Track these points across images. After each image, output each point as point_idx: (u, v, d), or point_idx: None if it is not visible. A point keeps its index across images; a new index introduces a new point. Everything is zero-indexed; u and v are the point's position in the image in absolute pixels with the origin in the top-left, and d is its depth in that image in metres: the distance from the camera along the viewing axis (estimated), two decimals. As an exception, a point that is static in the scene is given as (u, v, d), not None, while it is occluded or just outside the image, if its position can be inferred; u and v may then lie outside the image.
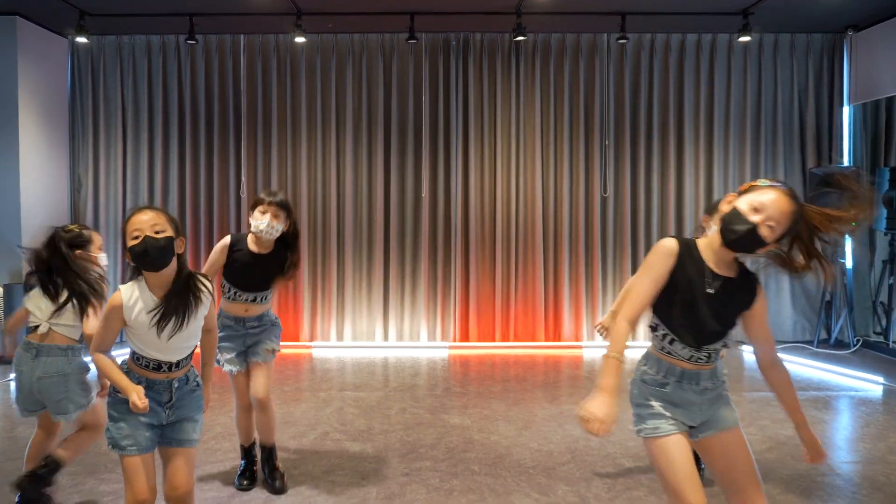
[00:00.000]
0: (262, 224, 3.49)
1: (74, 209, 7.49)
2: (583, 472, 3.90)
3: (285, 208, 3.57)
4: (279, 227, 3.54)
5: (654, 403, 2.27)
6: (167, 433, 2.56)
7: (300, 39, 6.83)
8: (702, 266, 2.24)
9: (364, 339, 7.53)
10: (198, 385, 2.67)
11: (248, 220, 3.58)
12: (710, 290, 2.23)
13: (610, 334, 2.14)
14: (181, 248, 2.53)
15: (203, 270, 3.38)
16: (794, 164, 7.61)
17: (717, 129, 7.54)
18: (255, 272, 3.59)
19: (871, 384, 5.90)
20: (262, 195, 3.58)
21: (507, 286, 7.48)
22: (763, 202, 2.13)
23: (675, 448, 2.20)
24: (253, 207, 3.57)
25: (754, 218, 2.12)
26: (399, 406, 5.23)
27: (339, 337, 7.56)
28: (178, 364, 2.55)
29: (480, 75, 7.49)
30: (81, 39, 6.70)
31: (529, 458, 4.12)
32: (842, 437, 4.63)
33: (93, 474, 3.88)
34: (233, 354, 3.60)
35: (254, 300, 3.62)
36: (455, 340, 7.51)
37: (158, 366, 2.50)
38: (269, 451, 3.70)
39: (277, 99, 7.48)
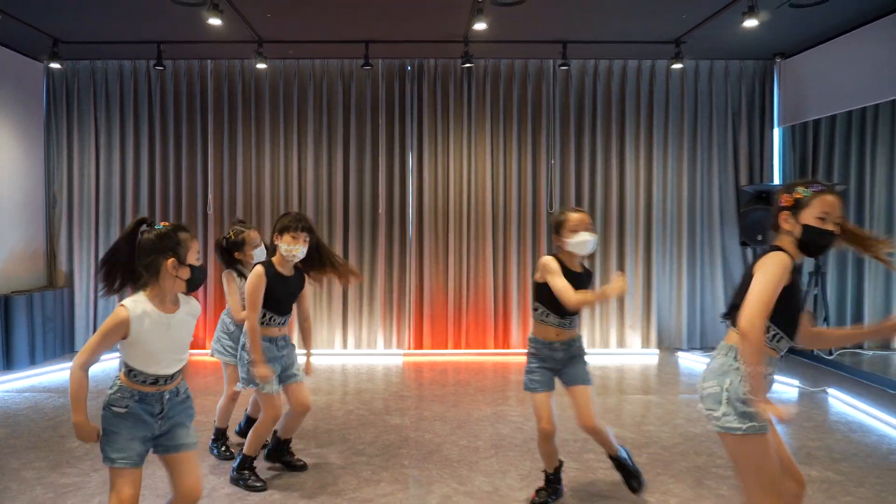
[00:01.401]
0: (300, 252, 3.77)
1: (49, 224, 7.82)
2: (501, 465, 4.30)
3: (311, 231, 3.85)
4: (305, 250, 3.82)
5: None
6: (162, 442, 2.67)
7: (261, 66, 7.22)
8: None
9: (324, 347, 7.89)
10: (187, 396, 2.77)
11: (276, 244, 3.80)
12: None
13: (751, 347, 2.36)
14: None
15: (248, 304, 3.79)
16: (728, 182, 8.07)
17: (656, 150, 7.99)
18: (288, 295, 3.90)
19: (788, 387, 6.34)
20: (288, 221, 3.76)
21: (459, 297, 7.88)
22: (826, 210, 2.48)
23: (770, 442, 2.49)
24: (281, 233, 3.77)
25: (829, 227, 2.49)
26: (346, 409, 5.61)
27: (301, 345, 7.89)
28: (172, 377, 2.67)
29: (434, 98, 7.91)
30: (55, 65, 7.05)
31: (456, 454, 4.50)
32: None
33: (55, 469, 4.22)
34: (273, 376, 3.86)
35: (284, 323, 3.95)
36: (410, 348, 7.90)
37: (155, 380, 2.62)
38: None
39: (242, 120, 7.86)
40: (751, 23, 5.67)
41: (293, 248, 3.75)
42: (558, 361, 3.61)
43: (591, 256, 7.84)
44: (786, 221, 2.54)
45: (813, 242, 2.51)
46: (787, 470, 2.58)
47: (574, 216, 3.53)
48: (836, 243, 2.57)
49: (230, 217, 7.79)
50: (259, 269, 3.79)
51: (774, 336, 2.53)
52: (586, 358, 3.72)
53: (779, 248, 2.52)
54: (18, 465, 4.27)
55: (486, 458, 4.42)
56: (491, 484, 3.99)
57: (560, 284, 3.35)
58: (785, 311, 2.48)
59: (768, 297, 2.38)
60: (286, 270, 3.87)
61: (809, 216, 2.49)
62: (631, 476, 3.63)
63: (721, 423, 2.47)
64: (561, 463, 3.76)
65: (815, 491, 3.89)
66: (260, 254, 4.32)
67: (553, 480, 3.73)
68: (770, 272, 2.43)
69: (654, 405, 5.77)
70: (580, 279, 3.55)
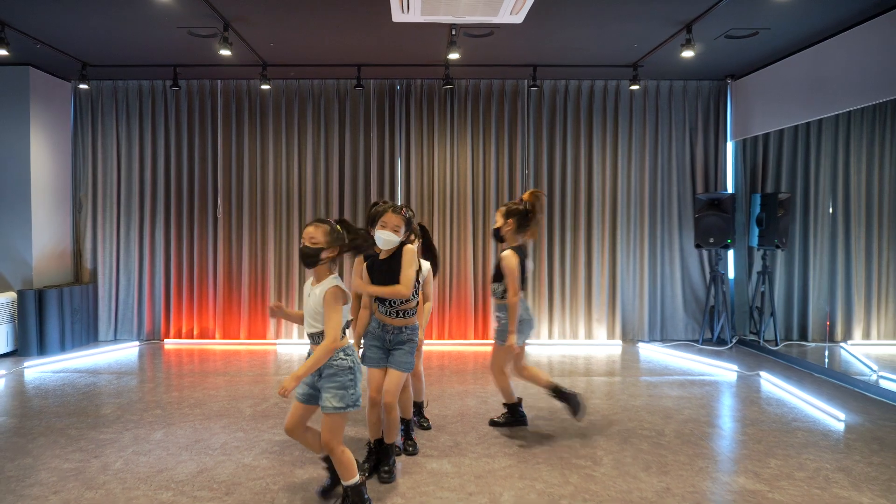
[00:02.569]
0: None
1: (76, 226, 8.69)
2: (464, 428, 5.14)
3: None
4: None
5: None
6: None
7: (266, 87, 8.08)
8: None
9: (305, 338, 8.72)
10: (330, 368, 3.46)
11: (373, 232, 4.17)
12: None
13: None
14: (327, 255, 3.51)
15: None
16: (686, 190, 8.91)
17: (620, 160, 8.83)
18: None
19: (729, 372, 7.17)
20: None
21: (443, 290, 8.73)
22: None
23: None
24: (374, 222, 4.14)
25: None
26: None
27: (301, 335, 8.76)
28: (311, 338, 3.55)
29: (420, 115, 8.76)
30: (83, 86, 7.92)
31: (433, 422, 5.35)
32: (681, 406, 5.86)
33: (94, 428, 5.08)
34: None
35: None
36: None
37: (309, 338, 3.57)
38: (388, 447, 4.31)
39: (248, 133, 8.72)
40: (688, 53, 6.50)
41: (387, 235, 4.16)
42: (387, 342, 4.22)
43: (562, 255, 8.73)
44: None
45: None
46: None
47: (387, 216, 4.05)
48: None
49: (237, 218, 8.66)
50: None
51: None
52: (407, 348, 4.22)
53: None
54: (63, 426, 5.13)
55: (453, 423, 5.26)
56: (453, 440, 4.83)
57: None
58: None
59: None
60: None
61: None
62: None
63: None
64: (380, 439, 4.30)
65: (724, 447, 4.73)
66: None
67: (376, 451, 4.27)
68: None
69: (605, 384, 6.60)
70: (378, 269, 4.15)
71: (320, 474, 4.17)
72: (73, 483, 4.05)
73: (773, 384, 6.61)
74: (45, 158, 8.13)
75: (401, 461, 4.46)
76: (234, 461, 4.42)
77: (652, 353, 8.22)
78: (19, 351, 7.68)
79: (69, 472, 4.24)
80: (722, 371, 7.21)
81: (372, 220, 4.13)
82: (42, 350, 7.67)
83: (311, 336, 3.54)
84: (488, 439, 4.87)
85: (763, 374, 6.95)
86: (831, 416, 5.47)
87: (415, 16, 5.75)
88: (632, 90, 8.65)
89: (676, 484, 4.05)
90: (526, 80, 8.70)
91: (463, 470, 4.30)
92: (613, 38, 7.01)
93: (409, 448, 4.62)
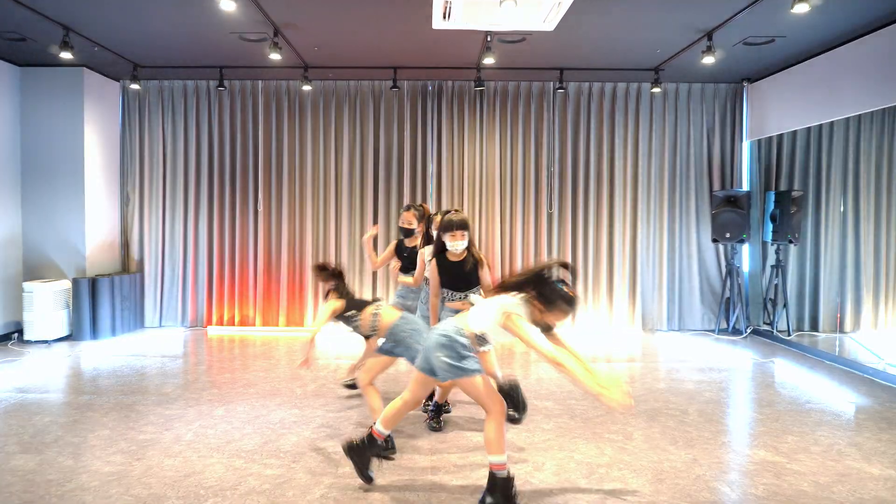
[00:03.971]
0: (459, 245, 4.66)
1: (123, 219, 9.07)
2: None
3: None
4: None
5: None
6: None
7: (307, 88, 8.43)
8: None
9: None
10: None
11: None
12: None
13: None
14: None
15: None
16: (703, 188, 9.20)
17: (641, 160, 9.13)
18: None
19: (745, 359, 7.48)
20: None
21: (471, 284, 9.04)
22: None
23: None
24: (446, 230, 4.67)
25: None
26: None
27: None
28: None
29: (451, 115, 9.10)
30: (135, 86, 8.30)
31: (461, 409, 5.69)
32: (703, 389, 6.18)
33: (160, 405, 5.46)
34: None
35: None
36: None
37: None
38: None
39: (288, 132, 9.08)
40: (708, 60, 6.80)
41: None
42: None
43: (585, 247, 9.05)
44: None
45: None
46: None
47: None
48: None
49: (277, 212, 9.03)
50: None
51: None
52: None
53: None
54: (131, 402, 5.50)
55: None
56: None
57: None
58: None
59: None
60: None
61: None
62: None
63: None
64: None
65: (735, 421, 5.06)
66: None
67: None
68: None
69: (630, 369, 6.92)
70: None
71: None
72: (151, 451, 4.41)
73: (787, 370, 6.91)
74: (96, 155, 8.51)
75: (449, 431, 4.80)
76: (296, 433, 4.78)
77: (670, 341, 8.52)
78: (73, 335, 8.07)
79: (146, 442, 4.60)
80: (738, 358, 7.51)
81: (446, 227, 4.61)
82: (95, 334, 8.07)
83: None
84: (526, 416, 5.21)
85: (777, 360, 7.26)
86: (842, 399, 5.79)
87: (455, 23, 6.07)
88: (653, 93, 8.94)
89: (702, 456, 4.38)
90: (552, 83, 9.01)
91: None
92: (637, 44, 7.31)
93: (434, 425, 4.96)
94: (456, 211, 4.71)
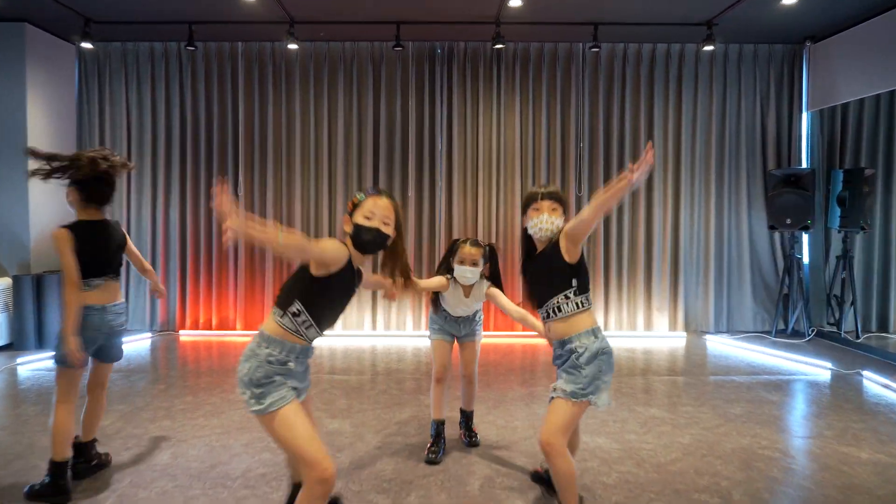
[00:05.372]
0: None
1: (82, 205, 7.58)
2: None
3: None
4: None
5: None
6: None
7: (293, 46, 6.92)
8: None
9: (353, 329, 7.63)
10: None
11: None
12: None
13: None
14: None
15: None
16: (756, 166, 7.72)
17: (684, 134, 7.65)
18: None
19: (821, 369, 6.02)
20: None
21: (487, 279, 7.57)
22: (373, 210, 2.59)
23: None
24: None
25: (374, 224, 2.57)
26: (379, 388, 5.34)
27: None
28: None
29: (464, 81, 7.59)
30: (87, 45, 6.77)
31: (495, 434, 4.22)
32: (789, 416, 4.73)
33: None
34: None
35: None
36: (438, 329, 7.61)
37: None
38: (469, 415, 4.14)
39: (273, 103, 7.57)
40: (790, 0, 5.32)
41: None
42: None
43: (619, 238, 7.61)
44: (346, 223, 2.63)
45: (359, 238, 2.57)
46: None
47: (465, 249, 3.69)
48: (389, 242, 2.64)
49: (261, 197, 7.54)
50: None
51: (304, 322, 2.57)
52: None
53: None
54: (48, 444, 4.01)
55: (525, 439, 4.14)
56: (532, 465, 3.70)
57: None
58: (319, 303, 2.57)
59: None
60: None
61: (359, 216, 2.58)
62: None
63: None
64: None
65: (870, 474, 3.59)
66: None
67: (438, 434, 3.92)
68: None
69: (687, 386, 5.46)
70: None
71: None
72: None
73: (879, 384, 5.46)
74: (44, 128, 7.00)
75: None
76: (259, 496, 3.30)
77: (722, 346, 7.07)
78: (15, 344, 6.59)
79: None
80: (812, 368, 6.05)
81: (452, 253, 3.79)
82: (41, 343, 6.58)
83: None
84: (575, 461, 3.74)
85: (865, 372, 5.79)
86: None
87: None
88: (704, 51, 7.45)
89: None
90: (581, 44, 7.50)
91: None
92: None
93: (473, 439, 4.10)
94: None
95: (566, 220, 2.92)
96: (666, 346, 7.16)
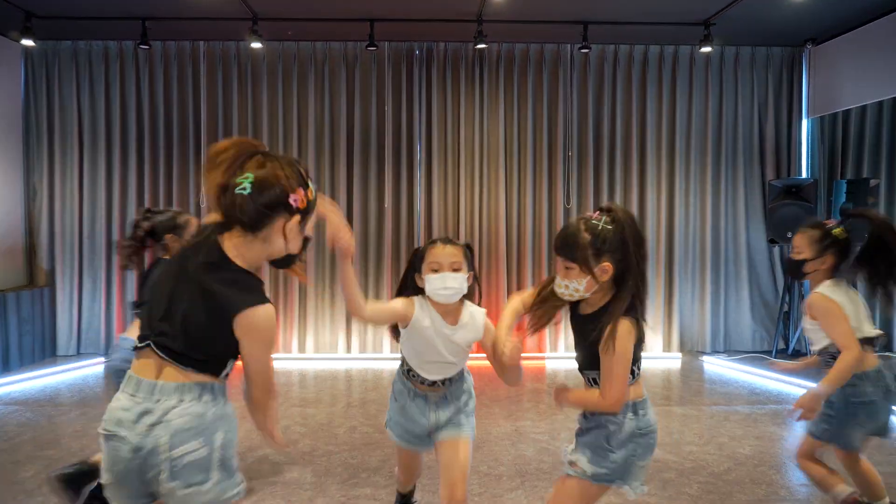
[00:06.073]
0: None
1: (29, 218, 6.95)
2: (529, 499, 3.47)
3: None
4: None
5: None
6: None
7: (256, 45, 6.37)
8: None
9: (327, 351, 7.06)
10: None
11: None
12: None
13: None
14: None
15: None
16: (754, 175, 7.27)
17: (678, 141, 7.19)
18: None
19: (831, 398, 5.53)
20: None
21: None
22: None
23: None
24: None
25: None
26: (349, 424, 4.77)
27: (302, 349, 7.08)
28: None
29: (444, 85, 7.06)
30: (28, 42, 6.14)
31: (477, 484, 3.68)
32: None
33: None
34: None
35: None
36: (416, 351, 7.06)
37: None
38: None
39: (238, 106, 6.99)
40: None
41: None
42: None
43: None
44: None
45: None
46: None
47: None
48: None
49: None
50: None
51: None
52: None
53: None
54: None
55: (511, 490, 3.60)
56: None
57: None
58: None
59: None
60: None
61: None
62: None
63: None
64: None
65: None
66: None
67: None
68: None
69: (686, 418, 4.95)
70: None
71: None
72: None
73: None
74: (-13, 134, 6.39)
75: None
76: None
77: (720, 368, 6.59)
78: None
79: None
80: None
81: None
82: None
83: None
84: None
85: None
86: None
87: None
88: (696, 55, 7.02)
89: None
90: (569, 45, 7.01)
91: None
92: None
93: None
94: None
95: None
96: (660, 367, 6.67)
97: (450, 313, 2.55)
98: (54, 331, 6.92)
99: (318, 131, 7.02)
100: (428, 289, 2.47)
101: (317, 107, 7.01)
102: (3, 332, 6.11)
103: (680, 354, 7.12)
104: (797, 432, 4.67)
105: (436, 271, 2.45)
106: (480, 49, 6.68)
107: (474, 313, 2.60)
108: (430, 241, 2.56)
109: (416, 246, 6.81)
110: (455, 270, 2.46)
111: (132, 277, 6.90)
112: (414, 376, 2.61)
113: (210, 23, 6.34)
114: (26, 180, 6.94)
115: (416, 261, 2.56)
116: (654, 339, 7.15)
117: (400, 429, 2.70)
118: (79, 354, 6.95)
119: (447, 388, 2.63)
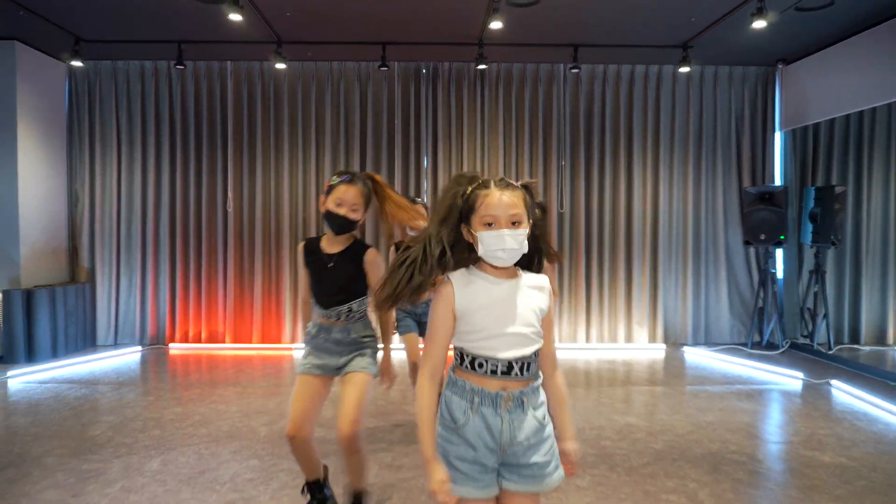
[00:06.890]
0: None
1: (72, 221, 7.66)
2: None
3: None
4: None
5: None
6: None
7: (280, 66, 7.07)
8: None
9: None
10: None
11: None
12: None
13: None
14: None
15: None
16: (732, 183, 7.93)
17: (662, 152, 7.85)
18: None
19: (792, 380, 6.18)
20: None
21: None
22: (341, 198, 2.83)
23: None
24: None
25: (342, 212, 2.84)
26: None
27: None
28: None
29: (448, 101, 7.76)
30: (77, 63, 6.88)
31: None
32: (759, 423, 4.87)
33: (77, 455, 4.06)
34: None
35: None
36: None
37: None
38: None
39: (262, 121, 7.70)
40: (759, 24, 5.52)
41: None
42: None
43: (600, 253, 7.77)
44: (321, 204, 2.91)
45: (329, 223, 2.89)
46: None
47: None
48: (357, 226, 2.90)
49: (249, 212, 7.65)
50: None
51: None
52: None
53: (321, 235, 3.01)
54: (40, 453, 4.10)
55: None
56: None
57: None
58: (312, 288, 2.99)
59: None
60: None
61: (331, 202, 2.85)
62: None
63: None
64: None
65: (829, 476, 3.74)
66: None
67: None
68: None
69: (664, 395, 5.60)
70: None
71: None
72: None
73: (847, 394, 5.62)
74: (34, 146, 7.09)
75: None
76: (247, 499, 3.41)
77: (699, 357, 7.23)
78: (5, 358, 6.63)
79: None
80: (785, 378, 6.22)
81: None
82: (31, 357, 6.63)
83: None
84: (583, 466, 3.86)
85: (834, 382, 5.95)
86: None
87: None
88: (679, 73, 7.68)
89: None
90: (562, 65, 7.71)
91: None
92: (668, 10, 6.03)
93: None
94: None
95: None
96: (646, 357, 7.32)
97: (505, 281, 1.97)
98: (94, 323, 7.61)
99: (334, 142, 7.72)
100: (483, 248, 1.85)
101: (333, 120, 7.71)
102: (53, 322, 6.80)
103: (664, 345, 7.77)
104: (761, 406, 5.34)
105: (490, 226, 1.84)
106: (481, 69, 7.39)
107: (539, 280, 2.04)
108: (480, 183, 1.92)
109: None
110: (514, 224, 1.85)
111: (164, 275, 7.61)
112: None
113: (237, 45, 7.04)
114: (69, 187, 7.66)
115: (464, 199, 1.91)
116: (640, 332, 7.81)
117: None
118: (116, 344, 7.64)
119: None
